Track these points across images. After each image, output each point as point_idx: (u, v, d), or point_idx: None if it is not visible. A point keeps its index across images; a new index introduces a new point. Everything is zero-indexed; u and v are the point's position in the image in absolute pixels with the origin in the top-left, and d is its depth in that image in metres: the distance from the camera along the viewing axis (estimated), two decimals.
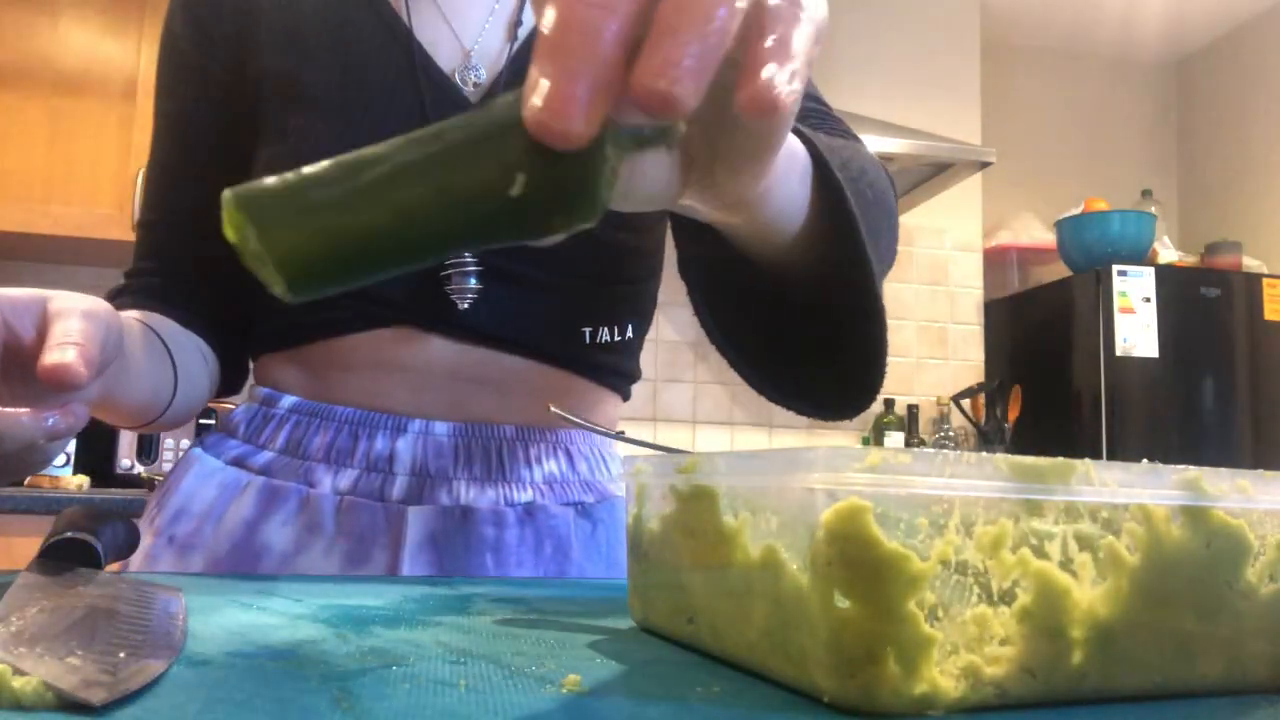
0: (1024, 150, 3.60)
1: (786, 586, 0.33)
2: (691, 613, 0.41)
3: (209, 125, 0.80)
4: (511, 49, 0.78)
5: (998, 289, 3.39)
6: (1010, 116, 3.60)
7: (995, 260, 3.44)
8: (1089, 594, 0.33)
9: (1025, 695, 0.32)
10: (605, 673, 0.36)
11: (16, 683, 0.27)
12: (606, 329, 0.81)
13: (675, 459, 0.42)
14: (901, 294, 3.19)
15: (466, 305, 0.74)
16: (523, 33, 0.79)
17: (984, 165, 2.71)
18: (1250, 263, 3.18)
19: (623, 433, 0.57)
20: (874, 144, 2.58)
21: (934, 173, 2.77)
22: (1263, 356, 2.93)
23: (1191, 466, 0.35)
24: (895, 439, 3.01)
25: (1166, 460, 0.35)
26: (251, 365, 0.84)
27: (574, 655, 0.39)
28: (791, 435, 3.08)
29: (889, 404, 3.07)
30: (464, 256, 0.74)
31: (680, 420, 3.01)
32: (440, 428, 0.75)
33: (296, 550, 0.72)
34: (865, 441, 3.05)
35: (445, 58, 0.77)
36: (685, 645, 0.42)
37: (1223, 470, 0.35)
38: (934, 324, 3.21)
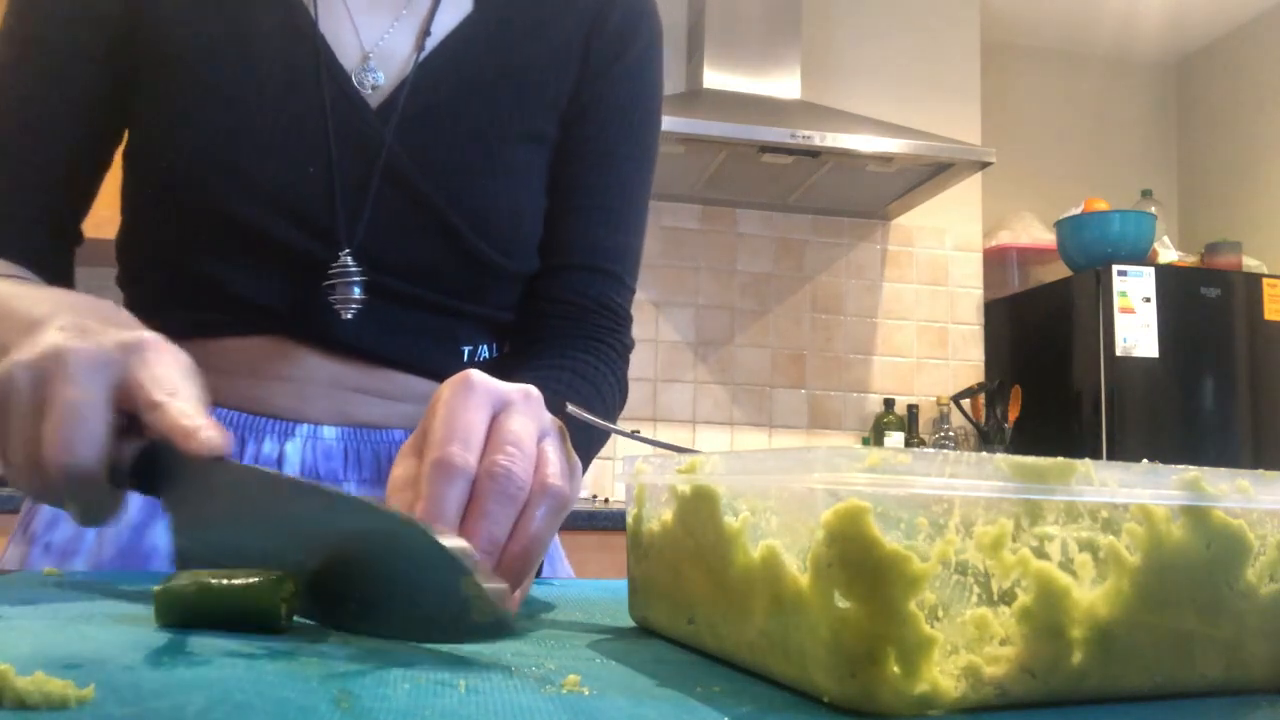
0: (1024, 150, 3.60)
1: (786, 586, 0.33)
2: (691, 613, 0.41)
3: (82, 76, 0.74)
4: (418, 58, 0.75)
5: (998, 289, 3.39)
6: (1010, 116, 3.60)
7: (995, 260, 3.44)
8: (1089, 594, 0.33)
9: (1025, 695, 0.32)
10: (605, 673, 0.36)
11: (20, 682, 0.27)
12: (485, 346, 0.80)
13: (675, 459, 0.42)
14: (901, 294, 3.19)
15: (350, 316, 0.72)
16: (431, 43, 0.76)
17: (984, 165, 2.71)
18: (1250, 263, 3.18)
19: (638, 432, 0.57)
20: (874, 144, 2.58)
21: (934, 173, 2.77)
22: (1263, 356, 2.92)
23: (1191, 466, 0.35)
24: (895, 439, 3.01)
25: (1166, 460, 0.35)
26: None
27: (574, 655, 0.39)
28: (791, 436, 3.08)
29: (889, 404, 3.07)
30: (348, 265, 0.72)
31: (680, 420, 3.01)
32: (328, 432, 0.74)
33: None
34: (865, 441, 3.04)
35: (346, 56, 0.75)
36: (685, 645, 0.42)
37: (1223, 470, 0.35)
38: (934, 324, 3.21)
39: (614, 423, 0.81)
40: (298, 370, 0.74)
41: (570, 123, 0.81)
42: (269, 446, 0.73)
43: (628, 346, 0.84)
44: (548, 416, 0.53)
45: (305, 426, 0.74)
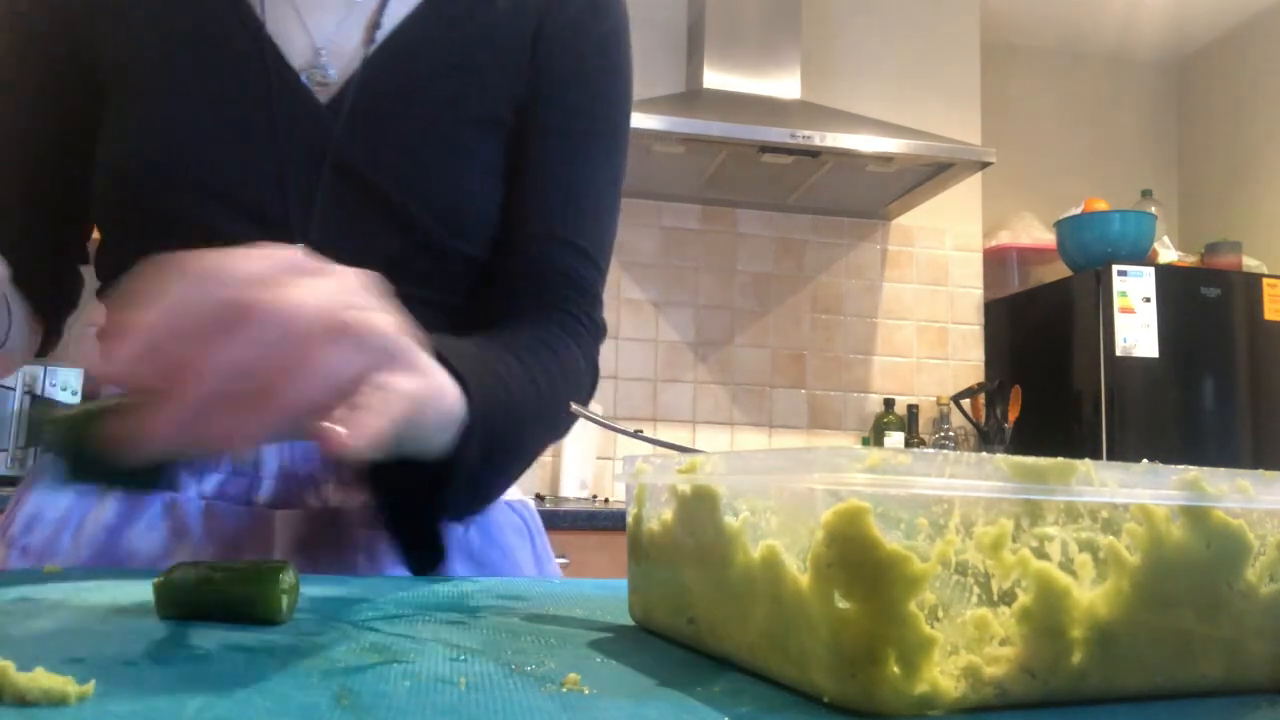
0: (1024, 150, 3.60)
1: (786, 587, 0.33)
2: (691, 613, 0.41)
3: (53, 104, 0.78)
4: (368, 51, 0.76)
5: (998, 289, 3.39)
6: (1010, 116, 3.60)
7: (995, 260, 3.44)
8: (1089, 594, 0.33)
9: (1025, 695, 0.32)
10: (605, 672, 0.36)
11: (20, 679, 0.27)
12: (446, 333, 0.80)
13: (675, 459, 0.42)
14: (901, 294, 3.19)
15: None
16: (380, 35, 0.77)
17: (984, 165, 2.71)
18: (1250, 263, 3.18)
19: (640, 431, 0.57)
20: (874, 144, 2.58)
21: (934, 173, 2.77)
22: (1263, 356, 2.93)
23: (1191, 466, 0.35)
24: (895, 439, 3.01)
25: (1166, 460, 0.35)
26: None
27: (574, 654, 0.39)
28: (791, 436, 3.08)
29: (889, 404, 3.07)
30: None
31: (680, 420, 3.01)
32: None
33: (163, 555, 0.70)
34: (865, 441, 3.04)
35: (296, 54, 0.76)
36: (685, 645, 0.42)
37: (1222, 470, 0.35)
38: (934, 324, 3.21)
39: (585, 403, 0.80)
40: None
41: (530, 106, 0.81)
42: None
43: (598, 324, 0.82)
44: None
45: None
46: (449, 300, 0.79)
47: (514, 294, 0.80)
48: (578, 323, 0.79)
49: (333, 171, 0.73)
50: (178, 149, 0.72)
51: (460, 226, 0.76)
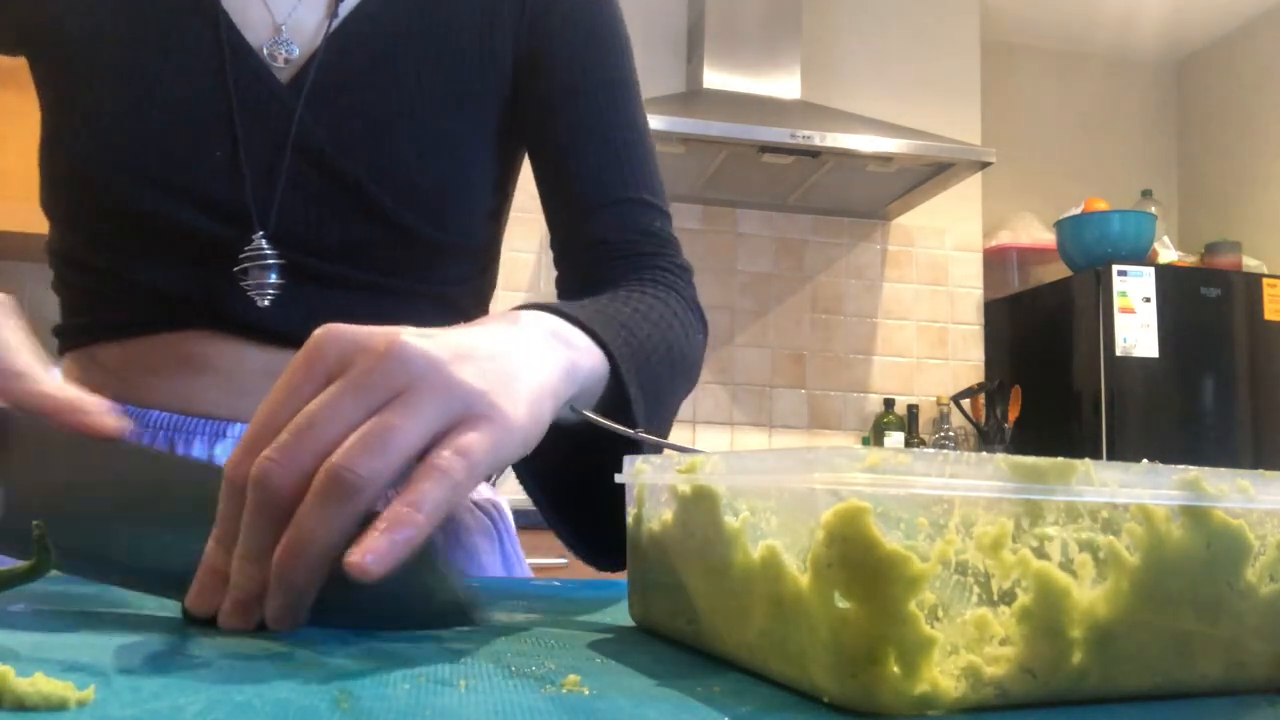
0: (1024, 150, 3.59)
1: (786, 587, 0.33)
2: (691, 613, 0.41)
3: None
4: (330, 26, 0.72)
5: (998, 289, 3.39)
6: (1010, 116, 3.60)
7: (995, 260, 3.44)
8: (1089, 594, 0.33)
9: (1025, 695, 0.32)
10: (605, 673, 0.35)
11: (19, 684, 0.27)
12: (442, 325, 0.77)
13: (675, 459, 0.42)
14: (901, 294, 3.19)
15: (266, 302, 0.69)
16: (344, 9, 0.73)
17: (984, 165, 2.71)
18: (1250, 263, 3.18)
19: (640, 431, 0.56)
20: (874, 144, 2.58)
21: (934, 173, 2.77)
22: (1263, 356, 2.92)
23: (1191, 466, 0.35)
24: (895, 439, 3.01)
25: (1166, 460, 0.35)
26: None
27: (574, 655, 0.39)
28: (791, 436, 3.08)
29: (889, 404, 3.07)
30: (263, 249, 0.68)
31: (680, 420, 3.01)
32: None
33: None
34: (865, 441, 3.04)
35: (254, 30, 0.72)
36: (685, 645, 0.42)
37: (1223, 470, 0.35)
38: (934, 324, 3.20)
39: (701, 347, 0.77)
40: (229, 362, 0.70)
41: (531, 72, 0.77)
42: (198, 449, 0.69)
43: (687, 268, 0.80)
44: (417, 369, 0.41)
45: (238, 426, 0.69)
46: (441, 290, 0.76)
47: (601, 264, 0.77)
48: (671, 274, 0.77)
49: (295, 155, 0.70)
50: (127, 136, 0.69)
51: (437, 215, 0.73)
